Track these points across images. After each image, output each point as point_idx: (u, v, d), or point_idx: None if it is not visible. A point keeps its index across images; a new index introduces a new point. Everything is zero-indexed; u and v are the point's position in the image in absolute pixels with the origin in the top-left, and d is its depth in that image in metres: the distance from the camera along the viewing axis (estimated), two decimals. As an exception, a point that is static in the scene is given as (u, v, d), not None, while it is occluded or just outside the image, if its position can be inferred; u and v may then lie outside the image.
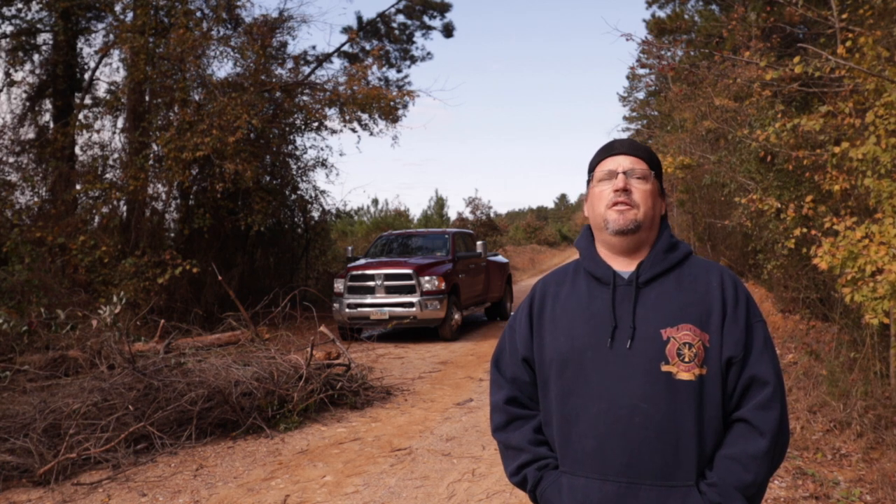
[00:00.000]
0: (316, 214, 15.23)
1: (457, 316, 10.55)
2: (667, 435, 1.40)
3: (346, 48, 16.25)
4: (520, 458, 1.56)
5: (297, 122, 13.53)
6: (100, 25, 12.18)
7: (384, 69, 17.07)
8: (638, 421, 1.41)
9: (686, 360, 1.41)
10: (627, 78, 34.49)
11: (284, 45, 13.10)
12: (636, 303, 1.47)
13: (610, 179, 1.54)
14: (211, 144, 9.81)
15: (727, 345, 1.44)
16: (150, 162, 10.77)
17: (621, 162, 1.55)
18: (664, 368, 1.41)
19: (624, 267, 1.54)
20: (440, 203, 29.73)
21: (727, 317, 1.45)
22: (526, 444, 1.56)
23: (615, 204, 1.51)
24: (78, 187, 10.83)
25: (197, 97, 11.20)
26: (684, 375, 1.40)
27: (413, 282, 9.97)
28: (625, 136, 31.20)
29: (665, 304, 1.46)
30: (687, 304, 1.46)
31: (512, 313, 1.72)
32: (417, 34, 17.74)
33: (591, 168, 1.63)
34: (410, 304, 9.93)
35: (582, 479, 1.45)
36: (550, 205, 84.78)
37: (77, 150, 11.74)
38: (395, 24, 17.48)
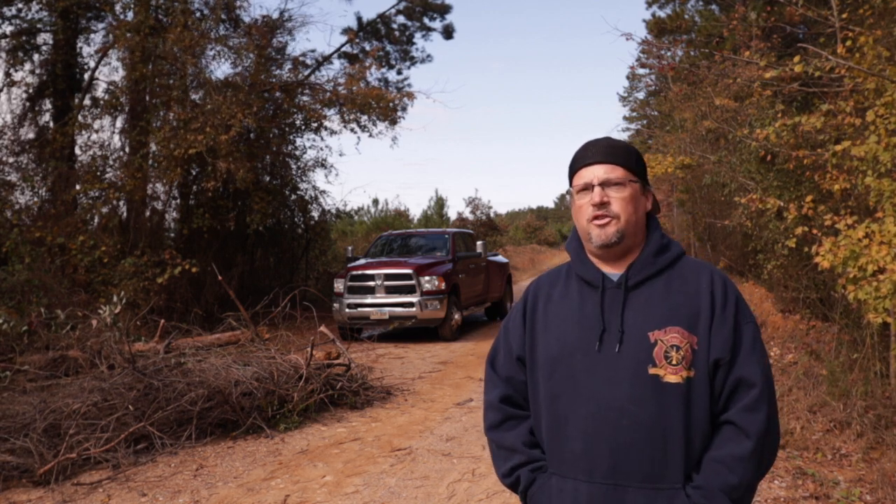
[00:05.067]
0: (316, 214, 15.24)
1: (457, 316, 10.54)
2: (654, 437, 1.40)
3: (346, 49, 16.26)
4: (513, 460, 1.56)
5: (297, 122, 13.53)
6: (99, 25, 12.16)
7: (384, 70, 17.08)
8: (626, 423, 1.41)
9: (673, 362, 1.41)
10: (627, 78, 34.52)
11: (285, 45, 13.10)
12: (624, 306, 1.47)
13: (588, 191, 1.51)
14: (204, 142, 9.78)
15: (714, 347, 1.43)
16: (150, 162, 10.75)
17: (596, 172, 1.50)
18: (651, 371, 1.41)
19: (614, 269, 1.53)
20: (440, 203, 29.68)
21: (715, 318, 1.44)
22: (520, 446, 1.56)
23: (595, 218, 1.48)
24: (77, 187, 10.82)
25: (195, 97, 11.18)
26: (672, 378, 1.40)
27: (413, 282, 9.97)
28: (624, 136, 31.10)
29: (654, 307, 1.46)
30: (676, 306, 1.45)
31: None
32: (417, 35, 17.75)
33: (571, 174, 1.59)
34: (410, 304, 9.92)
35: (570, 480, 1.46)
36: (550, 205, 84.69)
37: (77, 150, 11.73)
38: (394, 26, 17.48)
